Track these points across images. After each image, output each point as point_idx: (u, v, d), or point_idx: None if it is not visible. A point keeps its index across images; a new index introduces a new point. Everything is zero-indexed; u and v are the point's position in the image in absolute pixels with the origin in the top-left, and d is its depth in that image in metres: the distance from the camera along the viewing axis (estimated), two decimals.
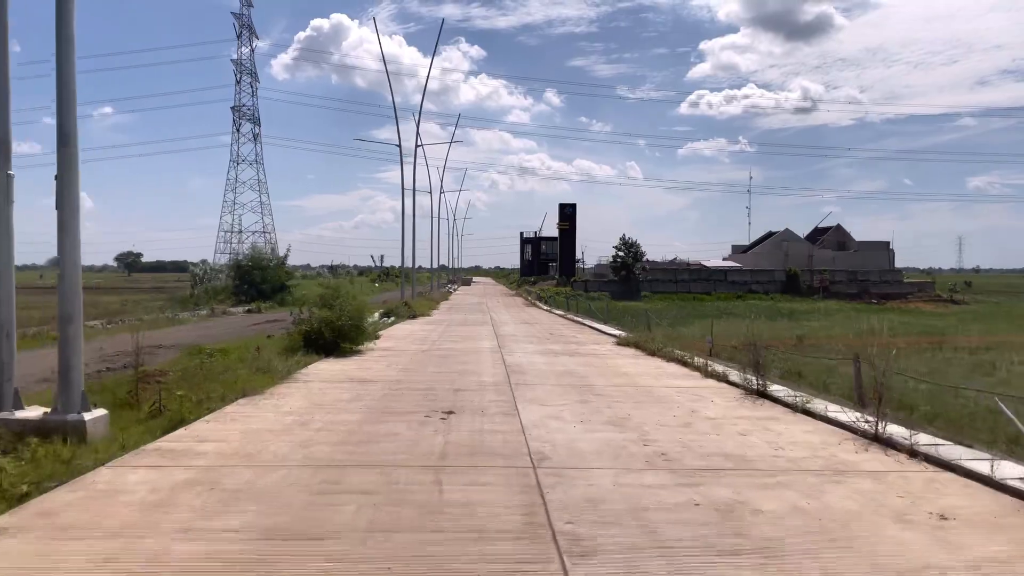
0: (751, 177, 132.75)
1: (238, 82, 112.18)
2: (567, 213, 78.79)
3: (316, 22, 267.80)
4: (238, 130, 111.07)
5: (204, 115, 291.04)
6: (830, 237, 74.43)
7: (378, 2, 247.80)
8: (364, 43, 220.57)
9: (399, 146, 41.07)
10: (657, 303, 59.03)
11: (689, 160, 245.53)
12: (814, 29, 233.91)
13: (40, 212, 43.79)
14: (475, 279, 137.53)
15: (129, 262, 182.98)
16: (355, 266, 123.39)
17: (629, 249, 63.35)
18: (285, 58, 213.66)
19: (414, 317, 28.68)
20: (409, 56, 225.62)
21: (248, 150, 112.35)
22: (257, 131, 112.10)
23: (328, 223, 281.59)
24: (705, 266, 69.30)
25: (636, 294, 61.73)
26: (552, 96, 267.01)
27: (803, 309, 50.38)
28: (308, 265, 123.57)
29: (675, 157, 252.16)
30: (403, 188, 42.13)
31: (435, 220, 64.94)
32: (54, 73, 7.10)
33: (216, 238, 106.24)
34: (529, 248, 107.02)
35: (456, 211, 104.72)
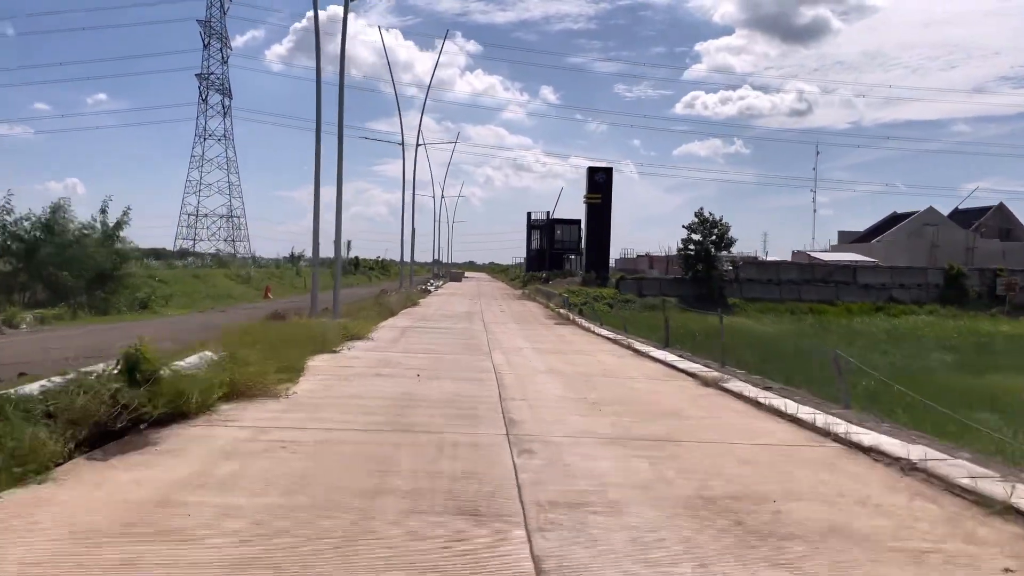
0: (817, 152, 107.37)
1: (206, 46, 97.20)
2: (598, 182, 56.32)
3: (312, 13, 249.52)
4: (205, 100, 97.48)
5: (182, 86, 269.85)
6: (990, 221, 52.38)
7: None
8: (360, 35, 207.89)
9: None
10: (757, 316, 37.20)
11: (684, 160, 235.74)
12: (811, 32, 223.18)
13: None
14: (468, 274, 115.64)
15: None
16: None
17: (710, 230, 41.18)
18: (280, 49, 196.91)
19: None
20: (406, 50, 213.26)
21: (216, 124, 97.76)
22: (228, 103, 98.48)
23: (322, 215, 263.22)
24: (820, 260, 47.01)
25: (720, 301, 39.52)
26: (548, 93, 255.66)
27: None
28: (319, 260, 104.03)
29: (670, 157, 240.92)
30: (318, 72, 19.82)
31: (410, 192, 42.76)
32: None
33: (178, 222, 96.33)
34: (538, 235, 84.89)
35: (444, 186, 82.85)
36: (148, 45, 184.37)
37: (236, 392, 8.28)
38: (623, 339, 19.57)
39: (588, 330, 23.19)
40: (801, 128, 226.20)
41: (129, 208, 29.81)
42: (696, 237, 41.27)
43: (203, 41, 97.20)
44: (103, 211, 30.04)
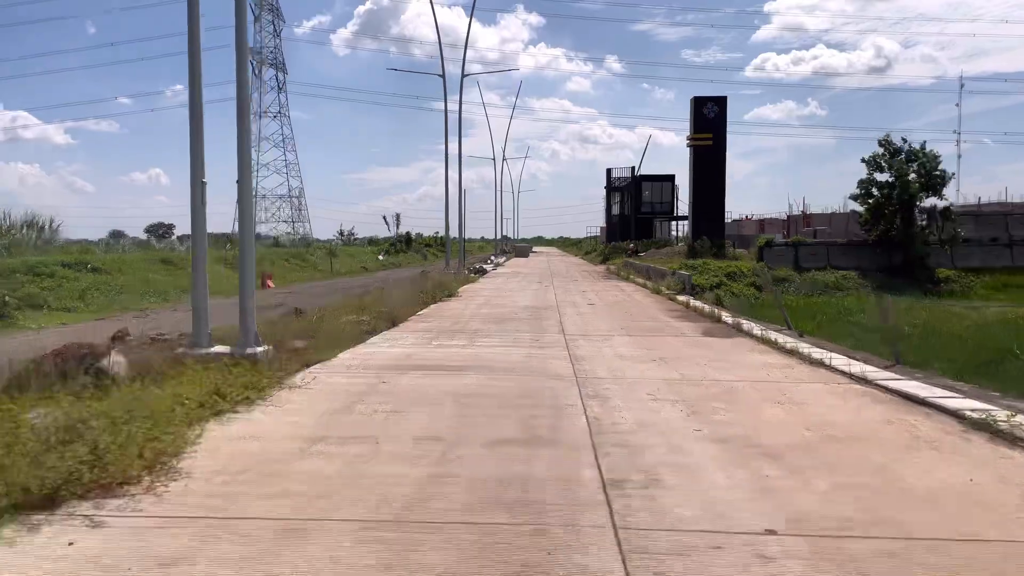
0: (962, 84, 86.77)
1: (257, 19, 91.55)
2: (707, 116, 41.80)
3: None
4: (258, 75, 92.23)
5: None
6: None
7: None
8: (422, 15, 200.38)
9: None
10: (1007, 301, 23.00)
11: (756, 124, 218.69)
12: None
13: None
14: (536, 249, 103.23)
15: (160, 233, 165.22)
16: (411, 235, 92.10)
17: (906, 163, 26.90)
18: (345, 32, 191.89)
19: None
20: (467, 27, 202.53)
21: (270, 100, 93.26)
22: (282, 79, 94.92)
23: (392, 196, 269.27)
24: None
25: (922, 274, 25.59)
26: (613, 62, 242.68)
27: None
28: (369, 238, 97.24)
29: (741, 121, 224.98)
30: None
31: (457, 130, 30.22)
32: None
33: (235, 204, 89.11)
34: (619, 197, 70.95)
35: (505, 151, 70.16)
36: (207, 19, 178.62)
37: None
38: (965, 408, 6.39)
39: (796, 354, 10.09)
40: (881, 86, 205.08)
41: None
42: (883, 177, 27.08)
43: (253, 14, 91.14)
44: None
